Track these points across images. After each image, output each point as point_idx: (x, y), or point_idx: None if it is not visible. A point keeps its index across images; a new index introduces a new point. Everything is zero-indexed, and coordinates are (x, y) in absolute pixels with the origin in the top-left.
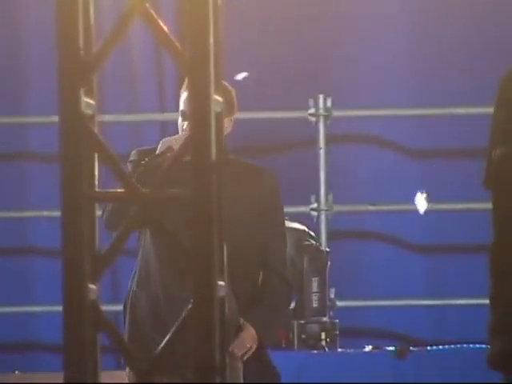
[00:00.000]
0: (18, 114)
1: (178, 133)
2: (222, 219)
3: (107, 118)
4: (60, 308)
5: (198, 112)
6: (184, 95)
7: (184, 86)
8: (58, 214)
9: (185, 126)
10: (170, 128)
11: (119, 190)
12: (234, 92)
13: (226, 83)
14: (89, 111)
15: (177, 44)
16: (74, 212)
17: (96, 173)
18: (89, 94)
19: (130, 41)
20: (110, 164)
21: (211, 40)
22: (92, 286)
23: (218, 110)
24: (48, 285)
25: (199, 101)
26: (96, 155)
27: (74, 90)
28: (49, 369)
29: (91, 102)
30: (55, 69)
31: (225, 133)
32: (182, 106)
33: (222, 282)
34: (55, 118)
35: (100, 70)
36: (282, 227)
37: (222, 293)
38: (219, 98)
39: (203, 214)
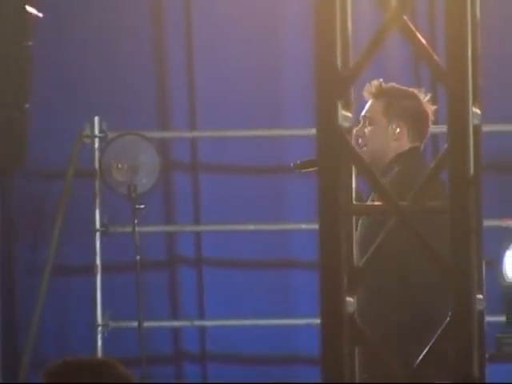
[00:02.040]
0: (277, 126)
1: None
2: (480, 232)
3: None
4: (318, 321)
5: (457, 125)
6: (369, 102)
7: (367, 93)
8: (316, 226)
9: (354, 132)
10: None
11: (377, 203)
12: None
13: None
14: (346, 124)
15: (436, 57)
16: (332, 225)
17: (353, 185)
18: (346, 106)
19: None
20: (367, 176)
21: (469, 53)
22: (349, 299)
23: (476, 122)
24: (308, 298)
25: (458, 114)
26: (353, 168)
27: (332, 102)
28: (307, 381)
29: (348, 114)
30: (311, 81)
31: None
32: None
33: (480, 296)
34: (312, 131)
35: (357, 83)
36: None
37: (480, 306)
38: (478, 111)
39: (461, 227)
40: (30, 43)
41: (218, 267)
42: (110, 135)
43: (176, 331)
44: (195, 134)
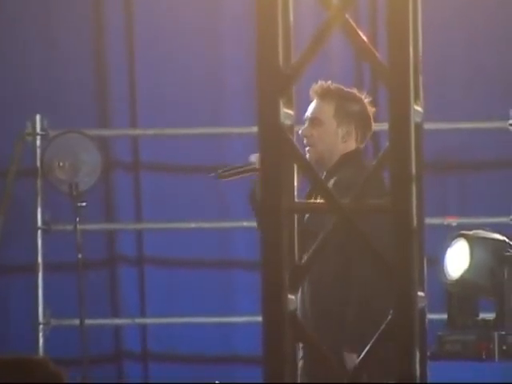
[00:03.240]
0: (218, 124)
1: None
2: (421, 230)
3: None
4: (259, 319)
5: (399, 123)
6: (313, 102)
7: (313, 93)
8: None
9: (300, 131)
10: None
11: (318, 201)
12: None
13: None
14: (288, 121)
15: (377, 55)
16: (274, 223)
17: (295, 183)
18: (287, 104)
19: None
20: (308, 174)
21: (411, 50)
22: (291, 297)
23: (418, 120)
24: (249, 296)
25: (400, 112)
26: (295, 166)
27: (274, 100)
28: (246, 380)
29: (290, 112)
30: (252, 79)
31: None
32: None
33: (421, 293)
34: (253, 129)
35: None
36: None
37: (421, 303)
38: (419, 109)
39: (403, 225)
40: None
41: (160, 266)
42: (52, 133)
43: (117, 330)
44: (136, 132)
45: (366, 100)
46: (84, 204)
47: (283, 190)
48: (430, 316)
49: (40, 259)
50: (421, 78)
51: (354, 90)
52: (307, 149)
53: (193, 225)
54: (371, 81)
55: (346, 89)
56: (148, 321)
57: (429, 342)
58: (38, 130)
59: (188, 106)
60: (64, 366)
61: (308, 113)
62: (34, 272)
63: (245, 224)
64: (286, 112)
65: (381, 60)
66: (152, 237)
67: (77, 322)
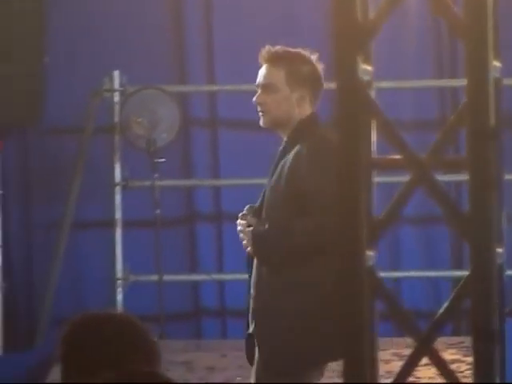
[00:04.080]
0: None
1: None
2: (500, 186)
3: (384, 84)
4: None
5: (477, 78)
6: (262, 68)
7: (261, 59)
8: (249, 181)
9: (254, 98)
10: (446, 94)
11: (396, 157)
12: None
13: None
14: (366, 77)
15: (454, 9)
16: (351, 179)
17: (373, 139)
18: (365, 60)
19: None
20: (386, 130)
21: (489, 4)
22: (369, 253)
23: (496, 75)
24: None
25: (478, 66)
26: (373, 122)
27: (352, 56)
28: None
29: (368, 68)
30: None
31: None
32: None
33: (499, 249)
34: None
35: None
36: None
37: (500, 260)
38: (498, 63)
39: (481, 180)
40: None
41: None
42: (130, 89)
43: (195, 286)
44: (213, 88)
45: (314, 57)
46: (162, 160)
47: (361, 146)
48: (509, 272)
49: (118, 215)
50: (499, 33)
51: (301, 50)
52: (260, 114)
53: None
54: (449, 35)
55: (293, 50)
56: (225, 277)
57: (507, 299)
58: (117, 86)
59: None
60: (143, 321)
61: (259, 79)
62: (113, 228)
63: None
64: (364, 68)
65: (458, 14)
66: (229, 193)
67: (155, 277)
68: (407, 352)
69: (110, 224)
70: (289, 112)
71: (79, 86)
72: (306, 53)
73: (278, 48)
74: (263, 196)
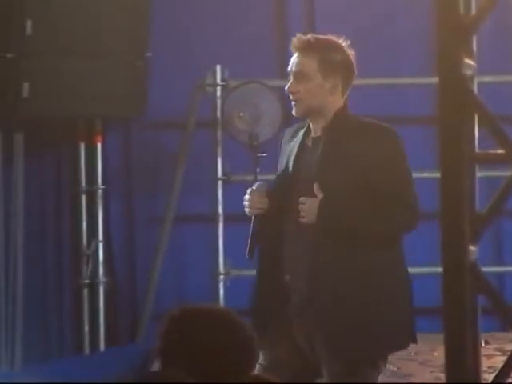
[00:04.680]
0: (393, 75)
1: None
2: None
3: (487, 79)
4: (438, 270)
5: None
6: (294, 56)
7: (293, 47)
8: (436, 175)
9: (286, 87)
10: None
11: (499, 151)
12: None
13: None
14: (469, 72)
15: None
16: (454, 173)
17: (476, 134)
18: (468, 54)
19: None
20: (489, 125)
21: None
22: (472, 248)
23: None
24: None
25: None
26: (476, 116)
27: (454, 51)
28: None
29: (471, 62)
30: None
31: (338, 103)
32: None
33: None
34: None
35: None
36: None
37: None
38: None
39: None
40: None
41: None
42: (232, 84)
43: None
44: None
45: (345, 44)
46: (264, 154)
47: (464, 140)
48: None
49: (220, 209)
50: None
51: (332, 38)
52: (293, 103)
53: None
54: None
55: (324, 38)
56: None
57: None
58: (219, 80)
59: (364, 56)
60: (243, 316)
61: (291, 67)
62: (215, 222)
63: (425, 175)
64: (467, 62)
65: None
66: None
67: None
68: (510, 347)
69: (212, 218)
70: (322, 100)
71: (182, 81)
72: (337, 40)
73: (309, 36)
74: (281, 182)
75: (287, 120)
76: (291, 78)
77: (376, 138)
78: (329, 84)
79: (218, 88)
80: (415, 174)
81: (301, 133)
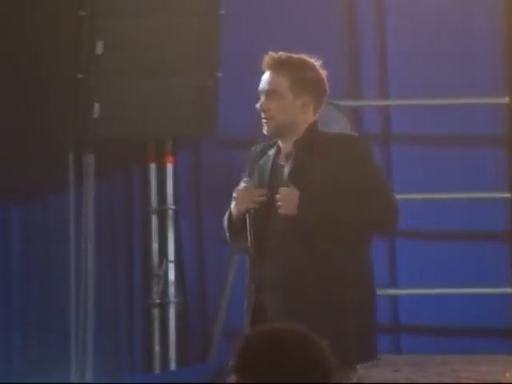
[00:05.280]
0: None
1: None
2: None
3: None
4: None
5: None
6: (265, 74)
7: (264, 65)
8: (507, 195)
9: (257, 105)
10: None
11: None
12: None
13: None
14: None
15: None
16: None
17: None
18: None
19: None
20: None
21: None
22: None
23: None
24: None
25: None
26: None
27: None
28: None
29: None
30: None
31: (310, 120)
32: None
33: None
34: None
35: None
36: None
37: None
38: None
39: None
40: (221, 12)
41: (410, 238)
42: None
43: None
44: (387, 102)
45: (317, 63)
46: None
47: None
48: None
49: None
50: None
51: (304, 56)
52: (264, 121)
53: (444, 195)
54: None
55: (296, 56)
56: (399, 292)
57: None
58: None
59: (439, 74)
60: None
61: (262, 86)
62: None
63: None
64: None
65: None
66: (403, 208)
67: None
68: None
69: None
70: (293, 118)
71: (251, 100)
72: (309, 59)
73: (281, 54)
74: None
75: None
76: (262, 96)
77: (343, 144)
78: (300, 102)
79: None
80: (486, 194)
81: (270, 152)
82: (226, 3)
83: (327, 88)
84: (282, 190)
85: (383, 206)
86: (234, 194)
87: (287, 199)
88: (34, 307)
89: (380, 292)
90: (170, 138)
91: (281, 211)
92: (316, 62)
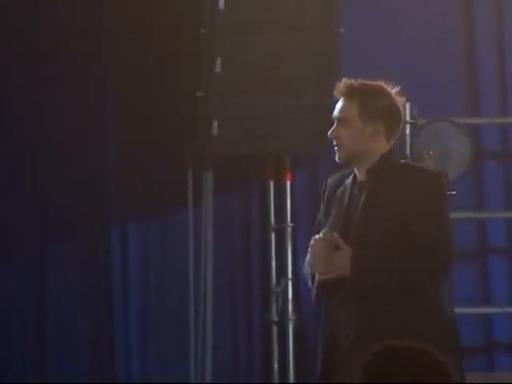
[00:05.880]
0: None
1: None
2: None
3: None
4: None
5: None
6: (339, 102)
7: (337, 92)
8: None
9: (329, 132)
10: None
11: None
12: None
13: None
14: None
15: None
16: None
17: None
18: None
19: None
20: None
21: None
22: None
23: None
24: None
25: None
26: None
27: None
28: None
29: None
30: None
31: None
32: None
33: None
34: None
35: None
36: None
37: None
38: None
39: None
40: (339, 30)
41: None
42: (421, 121)
43: (487, 320)
44: (506, 120)
45: (394, 91)
46: (453, 192)
47: None
48: None
49: None
50: None
51: (381, 83)
52: (336, 148)
53: None
54: None
55: (370, 83)
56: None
57: None
58: (408, 117)
59: None
60: None
61: (335, 113)
62: None
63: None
64: None
65: None
66: None
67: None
68: None
69: None
70: (363, 146)
71: None
72: (384, 86)
73: (354, 81)
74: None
75: (476, 158)
76: (335, 123)
77: (417, 183)
78: (370, 130)
79: (407, 125)
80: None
81: (347, 181)
82: (345, 21)
83: (402, 115)
84: (335, 253)
85: (441, 262)
86: (312, 242)
87: (339, 260)
88: (151, 323)
89: (501, 310)
90: (288, 155)
91: (333, 273)
92: (392, 90)
